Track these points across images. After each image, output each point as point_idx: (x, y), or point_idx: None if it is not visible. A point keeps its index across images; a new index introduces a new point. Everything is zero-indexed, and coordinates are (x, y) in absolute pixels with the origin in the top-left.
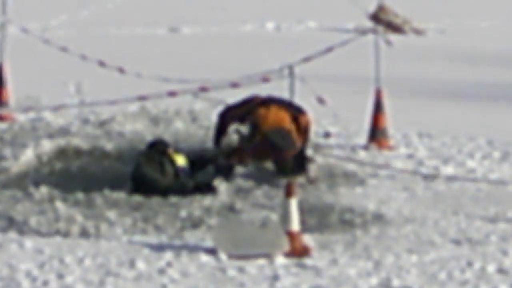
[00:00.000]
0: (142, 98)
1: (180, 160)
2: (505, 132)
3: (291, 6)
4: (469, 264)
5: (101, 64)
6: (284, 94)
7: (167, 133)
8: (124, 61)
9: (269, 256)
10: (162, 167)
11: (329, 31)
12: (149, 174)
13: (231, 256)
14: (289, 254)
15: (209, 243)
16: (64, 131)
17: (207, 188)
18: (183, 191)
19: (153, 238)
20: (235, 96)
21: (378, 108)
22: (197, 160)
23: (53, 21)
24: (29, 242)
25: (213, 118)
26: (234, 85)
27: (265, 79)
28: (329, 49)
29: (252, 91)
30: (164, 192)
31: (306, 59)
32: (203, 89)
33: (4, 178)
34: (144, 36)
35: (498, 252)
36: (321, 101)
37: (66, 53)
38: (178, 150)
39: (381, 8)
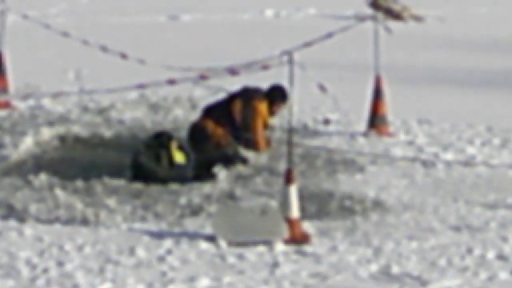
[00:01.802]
0: (141, 86)
1: (179, 157)
2: (504, 119)
3: None
4: (469, 250)
5: (103, 49)
6: (284, 81)
7: (167, 120)
8: (124, 49)
9: (268, 243)
10: (158, 159)
11: (328, 18)
12: (145, 164)
13: (230, 243)
14: (288, 241)
15: (208, 230)
16: (63, 119)
17: (206, 175)
18: (182, 179)
19: (152, 226)
20: (234, 83)
21: (377, 95)
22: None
23: (53, 9)
24: (29, 230)
25: None
26: (233, 72)
27: (265, 67)
28: (328, 35)
29: (252, 78)
30: (162, 181)
31: (306, 45)
32: (203, 77)
33: (4, 166)
34: (144, 24)
35: (498, 238)
36: (322, 88)
37: (66, 40)
38: (182, 148)
39: None
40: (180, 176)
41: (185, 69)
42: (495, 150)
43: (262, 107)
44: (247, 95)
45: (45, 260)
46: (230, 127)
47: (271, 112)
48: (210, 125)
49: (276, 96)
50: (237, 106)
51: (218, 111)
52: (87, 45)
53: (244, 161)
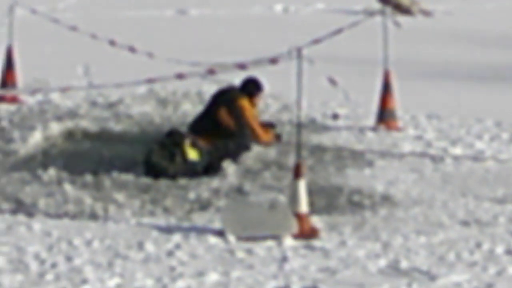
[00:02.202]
0: (150, 80)
1: (193, 154)
2: None
3: None
4: (478, 245)
5: (112, 43)
6: (292, 76)
7: (175, 115)
8: (133, 43)
9: (277, 238)
10: (173, 158)
11: (337, 13)
12: (159, 163)
13: (239, 238)
14: (297, 236)
15: (217, 225)
16: (72, 114)
17: (214, 169)
18: (193, 174)
19: (161, 220)
20: (242, 78)
21: (386, 89)
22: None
23: (61, 3)
24: (38, 225)
25: None
26: (242, 66)
27: (273, 61)
28: (338, 31)
29: (260, 72)
30: (174, 177)
31: (315, 41)
32: (211, 72)
33: (13, 161)
34: (152, 18)
35: (507, 233)
36: (332, 81)
37: (74, 34)
38: (195, 144)
39: None
40: (192, 171)
41: (193, 63)
42: (504, 145)
43: (245, 102)
44: (227, 98)
45: (53, 255)
46: (224, 136)
47: (252, 105)
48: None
49: (252, 88)
50: (223, 114)
51: (206, 126)
52: (95, 40)
53: (246, 147)
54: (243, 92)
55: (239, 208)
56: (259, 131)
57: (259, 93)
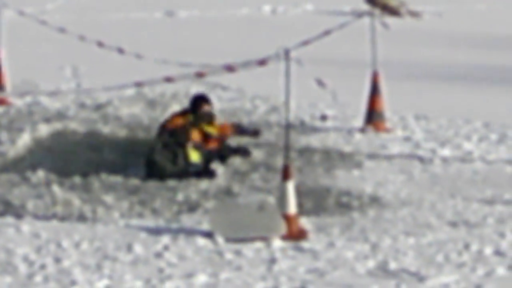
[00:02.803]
0: (138, 84)
1: (194, 156)
2: (501, 115)
3: None
4: (466, 246)
5: (100, 44)
6: (280, 78)
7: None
8: (121, 45)
9: (266, 239)
10: (175, 158)
11: (325, 14)
12: (160, 162)
13: (228, 240)
14: (286, 237)
15: (206, 226)
16: (60, 115)
17: (207, 173)
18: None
19: (150, 222)
20: (231, 80)
21: (374, 91)
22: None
23: (49, 5)
24: (26, 226)
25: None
26: (230, 69)
27: (261, 63)
28: (326, 33)
29: (248, 74)
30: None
31: (304, 43)
32: (200, 74)
33: (1, 162)
34: (140, 20)
35: (495, 234)
36: (320, 83)
37: (62, 36)
38: (197, 147)
39: None
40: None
41: (182, 64)
42: (492, 146)
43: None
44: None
45: (42, 257)
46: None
47: (208, 118)
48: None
49: (199, 102)
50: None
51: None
52: (83, 41)
53: (246, 152)
54: (192, 108)
55: (227, 209)
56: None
57: (205, 105)
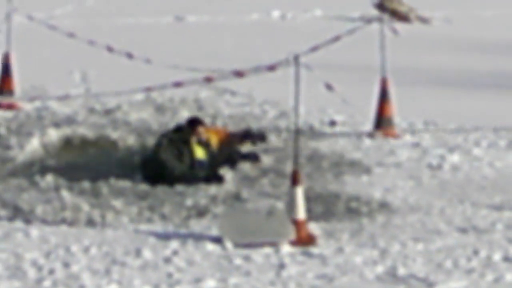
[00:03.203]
0: (147, 89)
1: (200, 153)
2: (510, 121)
3: None
4: (475, 252)
5: (109, 49)
6: (290, 83)
7: (173, 121)
8: (130, 50)
9: (275, 245)
10: (181, 155)
11: (334, 19)
12: (166, 160)
13: (237, 245)
14: (295, 243)
15: (215, 231)
16: (69, 120)
17: (215, 178)
18: (193, 180)
19: (159, 227)
20: (240, 85)
21: (384, 96)
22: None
23: (58, 10)
24: (35, 231)
25: (219, 106)
26: (240, 73)
27: (271, 68)
28: (336, 38)
29: (258, 79)
30: (175, 179)
31: (314, 49)
32: (209, 79)
33: (10, 167)
34: (150, 25)
35: (504, 240)
36: (329, 87)
37: (72, 41)
38: (201, 142)
39: None
40: (196, 174)
41: (191, 69)
42: (502, 152)
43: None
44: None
45: (51, 261)
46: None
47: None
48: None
49: (195, 124)
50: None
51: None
52: (93, 46)
53: (256, 158)
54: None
55: (236, 215)
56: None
57: (201, 126)
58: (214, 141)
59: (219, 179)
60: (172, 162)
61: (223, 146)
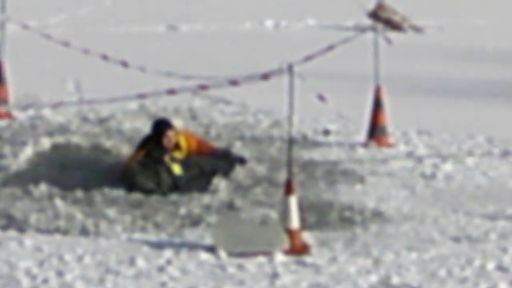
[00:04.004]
0: (141, 96)
1: (177, 169)
2: (504, 130)
3: (290, 4)
4: (469, 261)
5: (104, 57)
6: (283, 92)
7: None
8: (124, 58)
9: (268, 254)
10: (158, 176)
11: (328, 28)
12: (144, 186)
13: (230, 254)
14: (288, 252)
15: (208, 240)
16: (63, 129)
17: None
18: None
19: (152, 236)
20: (234, 94)
21: (377, 105)
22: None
23: (52, 19)
24: (29, 240)
25: (213, 115)
26: (234, 82)
27: (264, 77)
28: (330, 47)
29: (251, 89)
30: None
31: (307, 58)
32: (202, 87)
33: (4, 176)
34: (143, 34)
35: (498, 249)
36: (321, 98)
37: (65, 50)
38: (174, 159)
39: (380, 6)
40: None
41: (185, 77)
42: (495, 161)
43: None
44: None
45: (45, 270)
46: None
47: (168, 141)
48: None
49: (161, 128)
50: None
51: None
52: (87, 54)
53: (242, 161)
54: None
55: (230, 224)
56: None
57: (168, 130)
58: (183, 144)
59: (206, 187)
60: (149, 185)
61: (192, 154)
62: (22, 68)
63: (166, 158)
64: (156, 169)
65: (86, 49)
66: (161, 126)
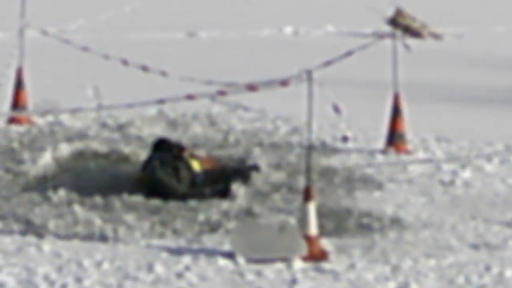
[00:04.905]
0: (159, 101)
1: (196, 165)
2: None
3: (309, 11)
4: (487, 268)
5: (124, 62)
6: (302, 99)
7: (185, 137)
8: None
9: (287, 260)
10: (178, 172)
11: (347, 35)
12: (165, 180)
13: (249, 260)
14: (307, 258)
15: (227, 247)
16: (82, 135)
17: (223, 193)
18: (200, 195)
19: (171, 242)
20: (253, 100)
21: (396, 112)
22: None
23: (71, 25)
24: (47, 246)
25: (231, 122)
26: (252, 88)
27: (283, 83)
28: (348, 54)
29: (270, 95)
30: (180, 198)
31: (326, 64)
32: (221, 93)
33: (23, 182)
34: (162, 41)
35: None
36: (336, 109)
37: (84, 56)
38: (193, 155)
39: (399, 13)
40: (201, 191)
41: (206, 82)
42: None
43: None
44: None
45: (63, 276)
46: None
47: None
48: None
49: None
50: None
51: None
52: (107, 60)
53: (256, 168)
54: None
55: (248, 230)
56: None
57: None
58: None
59: (223, 194)
60: (171, 181)
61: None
62: (41, 74)
63: (186, 154)
64: (176, 165)
65: (106, 54)
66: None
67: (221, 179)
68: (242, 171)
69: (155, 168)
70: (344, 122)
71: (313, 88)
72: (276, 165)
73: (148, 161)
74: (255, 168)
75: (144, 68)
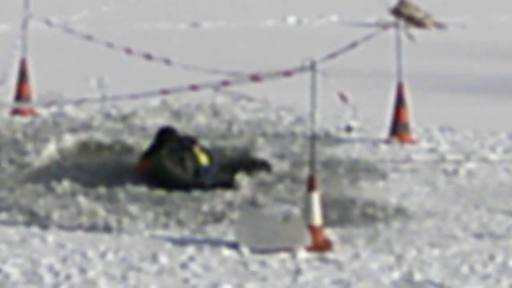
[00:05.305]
0: (163, 92)
1: (204, 159)
2: None
3: (312, 1)
4: (491, 258)
5: (127, 51)
6: (306, 89)
7: (189, 127)
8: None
9: (291, 250)
10: (183, 162)
11: (350, 25)
12: (169, 168)
13: (253, 250)
14: (311, 248)
15: (231, 237)
16: (86, 126)
17: (226, 185)
18: (201, 188)
19: (175, 233)
20: (256, 91)
21: (399, 102)
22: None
23: (74, 16)
24: (51, 237)
25: (235, 112)
26: (256, 79)
27: (287, 74)
28: (353, 45)
29: (273, 85)
30: (182, 187)
31: (331, 55)
32: (225, 83)
33: (27, 173)
34: (165, 31)
35: None
36: (343, 98)
37: (88, 47)
38: (205, 149)
39: (402, 2)
40: (202, 182)
41: (210, 71)
42: None
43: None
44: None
45: (67, 267)
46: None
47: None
48: None
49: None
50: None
51: None
52: (111, 49)
53: (267, 167)
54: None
55: (252, 220)
56: None
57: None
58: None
59: (228, 185)
60: (174, 169)
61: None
62: (45, 65)
63: (196, 149)
64: (182, 155)
65: (110, 42)
66: (165, 135)
67: (229, 174)
68: (251, 167)
69: (161, 156)
70: (348, 112)
71: (316, 78)
72: (280, 155)
73: (151, 150)
74: (265, 165)
75: (148, 57)
